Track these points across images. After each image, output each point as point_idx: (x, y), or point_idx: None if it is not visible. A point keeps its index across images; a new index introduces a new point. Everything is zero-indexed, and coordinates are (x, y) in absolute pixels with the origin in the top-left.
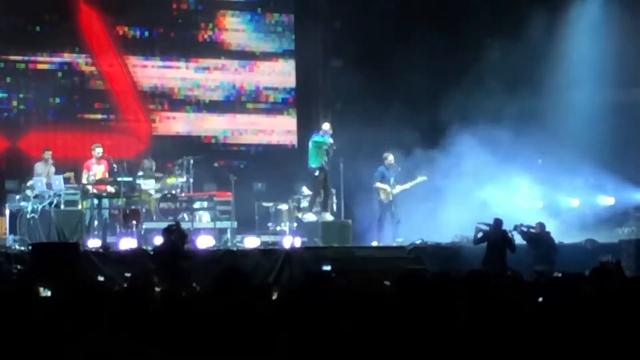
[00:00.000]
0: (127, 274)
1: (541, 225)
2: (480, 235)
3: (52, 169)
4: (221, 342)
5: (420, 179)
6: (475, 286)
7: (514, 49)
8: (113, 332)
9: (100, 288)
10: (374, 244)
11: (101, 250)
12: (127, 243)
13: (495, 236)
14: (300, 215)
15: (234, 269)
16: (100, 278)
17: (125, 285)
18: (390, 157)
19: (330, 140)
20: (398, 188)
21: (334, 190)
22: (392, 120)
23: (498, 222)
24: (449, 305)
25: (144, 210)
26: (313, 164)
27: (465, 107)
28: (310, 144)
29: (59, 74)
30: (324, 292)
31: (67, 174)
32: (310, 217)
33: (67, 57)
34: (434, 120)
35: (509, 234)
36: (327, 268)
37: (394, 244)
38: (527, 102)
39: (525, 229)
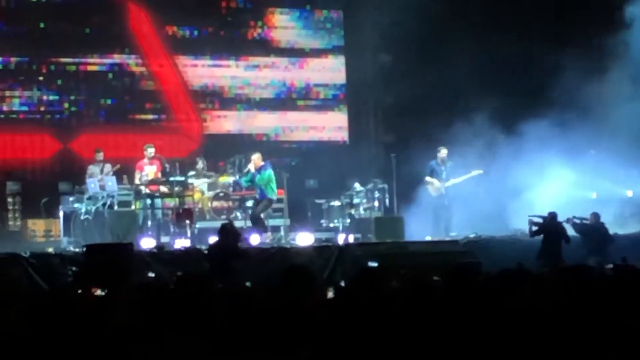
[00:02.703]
0: (179, 273)
1: (595, 216)
2: (535, 228)
3: (106, 170)
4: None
5: (475, 172)
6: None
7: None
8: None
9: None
10: (428, 238)
11: (155, 250)
12: (180, 243)
13: (550, 229)
14: (352, 211)
15: (298, 267)
16: (151, 274)
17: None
18: (443, 152)
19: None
20: (450, 182)
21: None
22: (444, 114)
23: (553, 215)
24: (502, 300)
25: (196, 209)
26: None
27: (516, 99)
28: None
29: (110, 75)
30: (374, 290)
31: (115, 167)
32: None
33: (117, 58)
34: (486, 114)
35: (563, 226)
36: (374, 264)
37: (448, 238)
38: (579, 93)
39: (578, 221)
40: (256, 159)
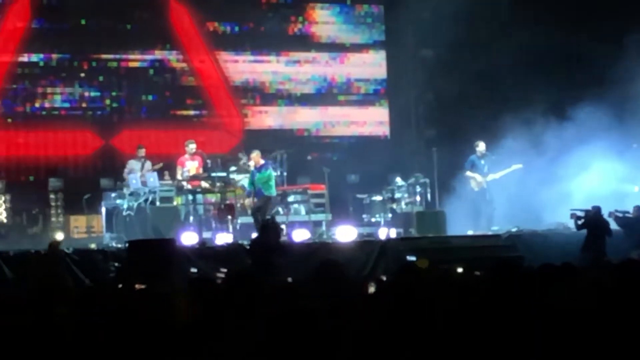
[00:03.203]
0: (223, 270)
1: (638, 209)
2: (581, 222)
3: (146, 167)
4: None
5: (515, 166)
6: (569, 277)
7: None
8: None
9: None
10: (470, 232)
11: (197, 246)
12: (222, 238)
13: (595, 223)
14: (394, 206)
15: (330, 262)
16: (193, 270)
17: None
18: (482, 146)
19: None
20: (491, 176)
21: None
22: (485, 107)
23: (596, 209)
24: (545, 295)
25: (238, 205)
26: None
27: (558, 94)
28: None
29: (151, 72)
30: (416, 284)
31: (157, 166)
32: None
33: (158, 54)
34: (527, 108)
35: (606, 220)
36: (412, 258)
37: (490, 232)
38: (620, 87)
39: (620, 214)
40: (256, 156)
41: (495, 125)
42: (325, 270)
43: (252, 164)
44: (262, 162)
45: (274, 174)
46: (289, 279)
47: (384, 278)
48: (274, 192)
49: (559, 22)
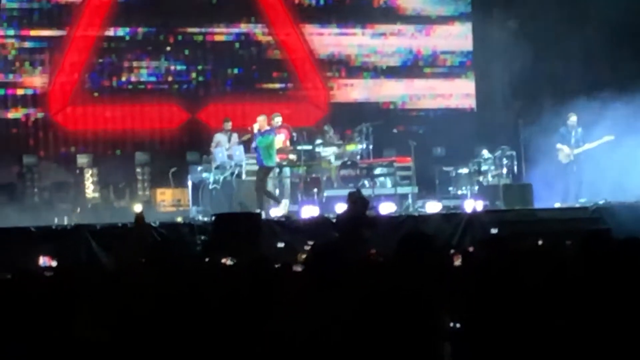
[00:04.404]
0: (310, 243)
1: None
2: None
3: (233, 140)
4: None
5: (606, 138)
6: None
7: None
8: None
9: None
10: (557, 205)
11: (283, 219)
12: (308, 211)
13: None
14: (480, 178)
15: (416, 233)
16: (280, 244)
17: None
18: (573, 118)
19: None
20: (581, 148)
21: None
22: (573, 79)
23: None
24: (635, 268)
25: (324, 178)
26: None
27: None
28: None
29: (236, 45)
30: (503, 256)
31: (245, 136)
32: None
33: (243, 27)
34: (618, 78)
35: None
36: (494, 231)
37: (577, 205)
38: None
39: None
40: (262, 120)
41: (584, 97)
42: (410, 242)
43: (256, 126)
44: (267, 127)
45: (275, 143)
46: (373, 251)
47: (471, 250)
48: (273, 162)
49: None
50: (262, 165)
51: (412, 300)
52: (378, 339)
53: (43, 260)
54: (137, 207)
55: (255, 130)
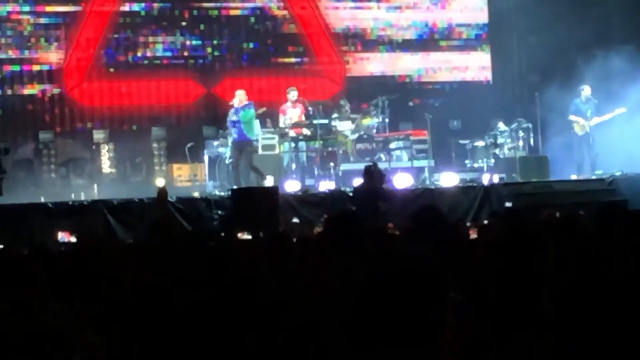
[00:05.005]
0: (325, 216)
1: None
2: None
3: None
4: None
5: (618, 110)
6: None
7: None
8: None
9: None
10: (573, 177)
11: (300, 193)
12: (325, 185)
13: None
14: (497, 151)
15: (428, 207)
16: (295, 220)
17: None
18: (587, 90)
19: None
20: (595, 120)
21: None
22: (588, 51)
23: None
24: None
25: (340, 152)
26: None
27: None
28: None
29: (252, 19)
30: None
31: (261, 110)
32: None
33: (259, 2)
34: (632, 50)
35: None
36: (509, 204)
37: (593, 177)
38: None
39: None
40: (241, 94)
41: (599, 69)
42: (423, 215)
43: (235, 101)
44: (245, 102)
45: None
46: (390, 225)
47: (486, 222)
48: (255, 134)
49: None
50: (245, 139)
51: (426, 271)
52: (391, 309)
53: (62, 236)
54: (160, 182)
55: (236, 105)
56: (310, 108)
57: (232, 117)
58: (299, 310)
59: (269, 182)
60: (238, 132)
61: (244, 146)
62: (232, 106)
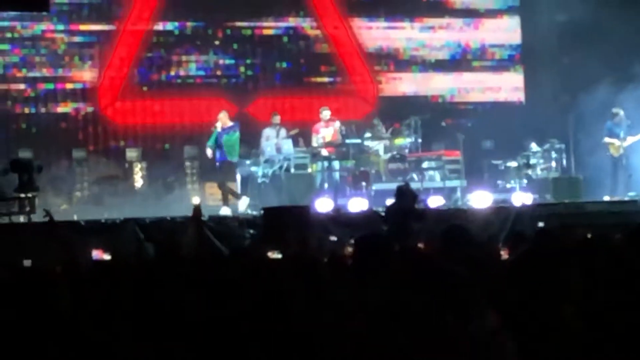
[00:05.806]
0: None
1: None
2: None
3: (282, 135)
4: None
5: None
6: None
7: None
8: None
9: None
10: (606, 198)
11: (332, 212)
12: (357, 205)
13: None
14: (529, 172)
15: (456, 226)
16: (330, 238)
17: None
18: (620, 113)
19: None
20: (629, 140)
21: None
22: (622, 73)
23: None
24: None
25: (373, 171)
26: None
27: None
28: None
29: (285, 39)
30: (551, 248)
31: (293, 131)
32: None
33: (292, 21)
34: None
35: None
36: (541, 224)
37: (627, 198)
38: None
39: None
40: (223, 117)
41: (632, 91)
42: (451, 234)
43: (219, 125)
44: (230, 123)
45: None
46: (421, 244)
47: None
48: (237, 157)
49: None
50: (225, 159)
51: (455, 291)
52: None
53: (95, 254)
54: (195, 200)
55: (219, 128)
56: (342, 127)
57: (217, 138)
58: (326, 330)
59: (243, 203)
60: (220, 154)
61: (226, 166)
62: (216, 128)
